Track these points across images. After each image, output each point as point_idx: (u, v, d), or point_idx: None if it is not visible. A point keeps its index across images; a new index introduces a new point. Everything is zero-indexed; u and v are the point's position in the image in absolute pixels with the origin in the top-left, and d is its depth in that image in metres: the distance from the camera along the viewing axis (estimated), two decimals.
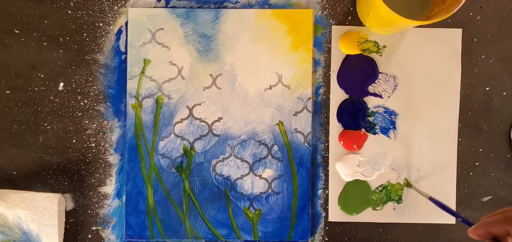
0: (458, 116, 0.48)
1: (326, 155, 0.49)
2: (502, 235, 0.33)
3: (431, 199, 0.45)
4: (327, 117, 0.48)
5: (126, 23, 0.48)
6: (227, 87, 0.48)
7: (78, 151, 0.48)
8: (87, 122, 0.48)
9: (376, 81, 0.48)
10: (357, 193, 0.48)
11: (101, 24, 0.48)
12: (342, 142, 0.48)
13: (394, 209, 0.48)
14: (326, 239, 0.49)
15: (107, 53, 0.48)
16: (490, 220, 0.34)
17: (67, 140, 0.48)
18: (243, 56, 0.48)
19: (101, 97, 0.48)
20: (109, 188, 0.48)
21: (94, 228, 0.49)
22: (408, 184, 0.47)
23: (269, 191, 0.48)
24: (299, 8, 0.48)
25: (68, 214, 0.48)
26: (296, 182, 0.48)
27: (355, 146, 0.48)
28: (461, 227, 0.49)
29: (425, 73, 0.48)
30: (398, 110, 0.48)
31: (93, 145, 0.48)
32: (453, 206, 0.48)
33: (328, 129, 0.48)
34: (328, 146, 0.48)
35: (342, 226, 0.49)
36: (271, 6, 0.48)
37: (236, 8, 0.48)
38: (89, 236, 0.49)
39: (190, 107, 0.48)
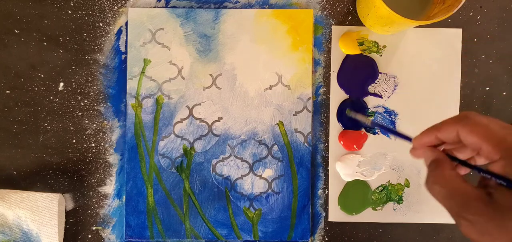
0: None
1: (326, 155, 0.49)
2: (452, 140, 0.29)
3: (373, 123, 0.40)
4: (327, 117, 0.48)
5: (126, 23, 0.48)
6: (227, 87, 0.48)
7: (78, 151, 0.48)
8: (87, 121, 0.48)
9: (376, 81, 0.48)
10: (357, 193, 0.48)
11: (101, 24, 0.48)
12: (342, 142, 0.48)
13: (394, 209, 0.48)
14: (326, 239, 0.49)
15: (107, 53, 0.48)
16: (438, 124, 0.30)
17: (67, 140, 0.48)
18: (243, 56, 0.48)
19: (101, 97, 0.48)
20: (109, 188, 0.48)
21: (94, 228, 0.49)
22: (350, 112, 0.45)
23: (269, 191, 0.48)
24: (299, 8, 0.48)
25: (68, 214, 0.48)
26: (296, 182, 0.48)
27: (355, 146, 0.48)
28: None
29: (425, 73, 0.48)
30: (398, 110, 0.48)
31: (93, 145, 0.48)
32: None
33: (328, 129, 0.48)
34: (328, 146, 0.48)
35: (342, 226, 0.49)
36: (271, 6, 0.48)
37: (236, 8, 0.48)
38: (89, 236, 0.49)
39: (190, 107, 0.48)
